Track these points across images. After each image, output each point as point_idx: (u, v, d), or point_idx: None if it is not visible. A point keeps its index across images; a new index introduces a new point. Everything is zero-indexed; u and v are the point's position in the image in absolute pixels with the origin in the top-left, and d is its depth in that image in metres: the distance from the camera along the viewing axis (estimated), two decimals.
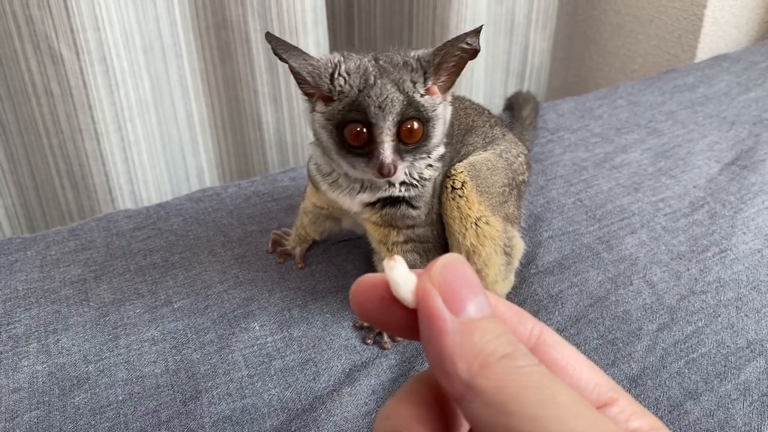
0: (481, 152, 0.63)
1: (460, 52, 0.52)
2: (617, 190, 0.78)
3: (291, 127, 1.08)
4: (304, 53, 0.53)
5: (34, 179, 1.01)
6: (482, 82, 1.24)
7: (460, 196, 0.59)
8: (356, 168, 0.54)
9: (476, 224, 0.59)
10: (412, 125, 0.52)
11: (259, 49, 1.00)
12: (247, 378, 0.56)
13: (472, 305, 0.26)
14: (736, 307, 0.63)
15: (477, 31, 0.51)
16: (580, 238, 0.71)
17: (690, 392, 0.55)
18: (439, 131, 0.55)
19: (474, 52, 0.52)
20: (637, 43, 1.28)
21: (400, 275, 0.28)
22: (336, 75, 0.52)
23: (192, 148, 1.09)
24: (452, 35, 1.13)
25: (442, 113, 0.55)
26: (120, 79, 0.91)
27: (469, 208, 0.59)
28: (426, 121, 0.53)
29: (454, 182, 0.60)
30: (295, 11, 0.99)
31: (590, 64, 1.40)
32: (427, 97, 0.53)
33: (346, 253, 0.70)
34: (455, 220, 0.60)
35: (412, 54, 0.54)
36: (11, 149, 0.99)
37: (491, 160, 0.62)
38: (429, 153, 0.57)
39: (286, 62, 0.52)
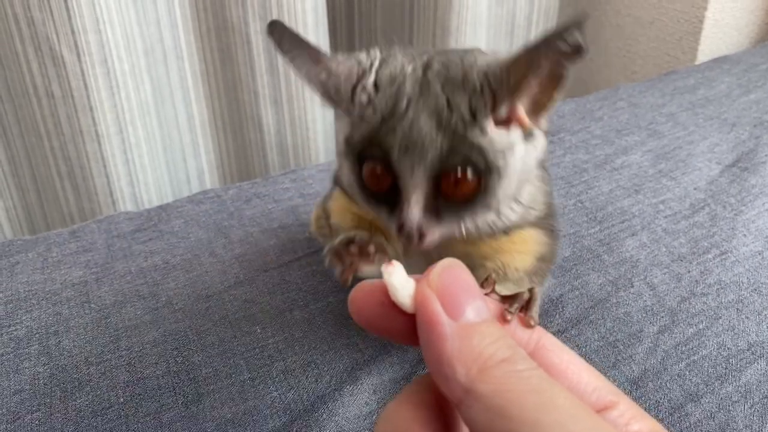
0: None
1: (558, 56, 0.33)
2: (618, 192, 0.78)
3: (292, 128, 1.08)
4: (318, 52, 0.39)
5: (35, 181, 1.01)
6: None
7: None
8: (379, 216, 0.40)
9: None
10: (461, 177, 0.36)
11: (260, 50, 1.01)
12: (249, 381, 0.56)
13: (471, 309, 0.26)
14: (737, 309, 0.63)
15: (579, 24, 0.32)
16: (580, 241, 0.71)
17: (691, 394, 0.55)
18: (510, 183, 0.38)
19: (577, 52, 0.33)
20: (638, 44, 1.28)
21: (398, 280, 0.28)
22: (359, 88, 0.38)
23: (193, 150, 1.09)
24: (453, 37, 1.13)
25: (522, 156, 0.38)
26: (121, 81, 0.91)
27: None
28: (486, 172, 0.36)
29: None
30: (296, 12, 0.99)
31: (590, 66, 1.40)
32: (495, 133, 0.36)
33: None
34: None
35: (480, 63, 0.36)
36: (12, 151, 0.99)
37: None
38: (490, 208, 0.39)
39: (290, 65, 0.39)
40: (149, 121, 0.98)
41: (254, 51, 1.01)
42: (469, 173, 0.36)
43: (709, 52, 1.18)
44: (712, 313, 0.62)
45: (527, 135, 0.38)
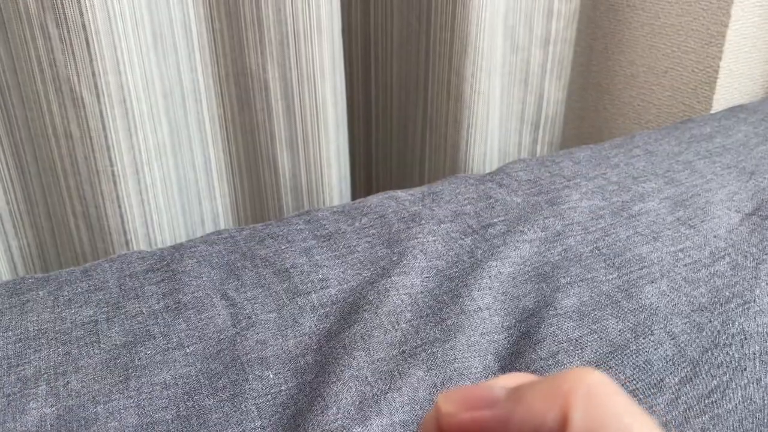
0: None
1: None
2: (636, 239, 0.77)
3: (307, 171, 1.09)
4: None
5: (50, 220, 1.02)
6: (497, 131, 1.24)
7: None
8: None
9: None
10: None
11: (278, 95, 1.02)
12: (260, 429, 0.54)
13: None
14: (762, 361, 0.61)
15: None
16: (598, 286, 0.70)
17: None
18: None
19: None
20: (652, 94, 1.28)
21: None
22: None
23: (208, 192, 1.09)
24: (468, 84, 1.14)
25: None
26: (139, 123, 0.92)
27: None
28: None
29: None
30: (314, 59, 1.00)
31: (604, 115, 1.40)
32: None
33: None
34: None
35: None
36: (29, 190, 0.99)
37: None
38: None
39: None
40: (165, 162, 0.99)
41: (272, 96, 1.02)
42: None
43: (724, 101, 1.18)
44: (736, 364, 0.61)
45: None
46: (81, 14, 0.83)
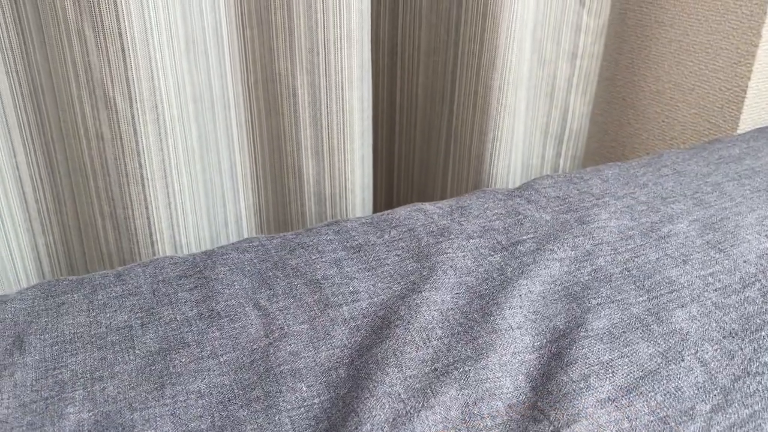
0: None
1: None
2: (665, 261, 0.77)
3: (331, 178, 1.09)
4: None
5: (77, 220, 1.02)
6: (521, 144, 1.24)
7: None
8: None
9: None
10: None
11: (305, 103, 1.02)
12: None
13: None
14: None
15: None
16: (629, 308, 0.70)
17: None
18: None
19: None
20: (677, 110, 1.28)
21: None
22: None
23: (233, 195, 1.10)
24: (494, 97, 1.14)
25: None
26: (170, 128, 0.93)
27: None
28: None
29: None
30: (342, 68, 1.01)
31: (628, 130, 1.40)
32: None
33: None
34: None
35: None
36: (58, 189, 1.00)
37: None
38: None
39: None
40: (193, 166, 1.00)
41: (299, 103, 1.02)
42: None
43: (750, 121, 1.18)
44: None
45: None
46: (117, 21, 0.84)
